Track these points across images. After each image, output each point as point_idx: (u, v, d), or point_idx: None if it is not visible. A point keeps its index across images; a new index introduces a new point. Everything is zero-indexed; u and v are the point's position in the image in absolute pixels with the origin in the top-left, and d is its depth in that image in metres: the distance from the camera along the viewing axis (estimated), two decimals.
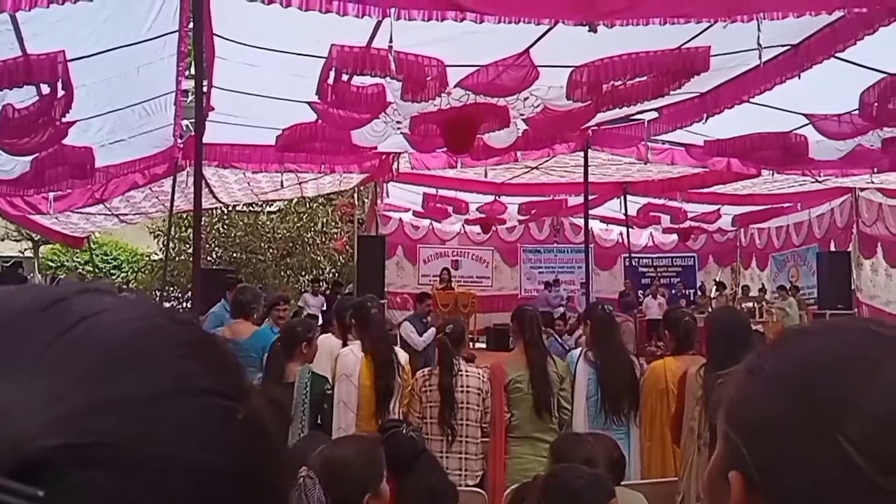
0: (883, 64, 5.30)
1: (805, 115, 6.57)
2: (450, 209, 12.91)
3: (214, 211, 15.64)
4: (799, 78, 5.11)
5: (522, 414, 4.35)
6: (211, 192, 9.74)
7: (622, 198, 11.44)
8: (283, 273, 17.71)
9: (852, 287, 12.32)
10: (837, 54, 4.91)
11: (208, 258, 17.02)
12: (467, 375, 4.40)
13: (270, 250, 17.70)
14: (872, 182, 9.95)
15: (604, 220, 14.14)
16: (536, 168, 9.99)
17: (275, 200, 14.71)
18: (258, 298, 5.83)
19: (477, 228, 15.18)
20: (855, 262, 12.73)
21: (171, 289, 14.42)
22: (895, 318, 10.62)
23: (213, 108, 6.32)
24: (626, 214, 11.87)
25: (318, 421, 4.25)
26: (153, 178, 8.45)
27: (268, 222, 18.01)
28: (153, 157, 7.88)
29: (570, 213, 14.26)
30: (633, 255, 14.41)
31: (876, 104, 5.65)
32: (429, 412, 4.32)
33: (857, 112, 6.02)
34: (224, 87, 5.90)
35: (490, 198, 12.36)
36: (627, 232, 12.78)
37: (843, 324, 0.67)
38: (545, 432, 4.29)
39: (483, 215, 13.55)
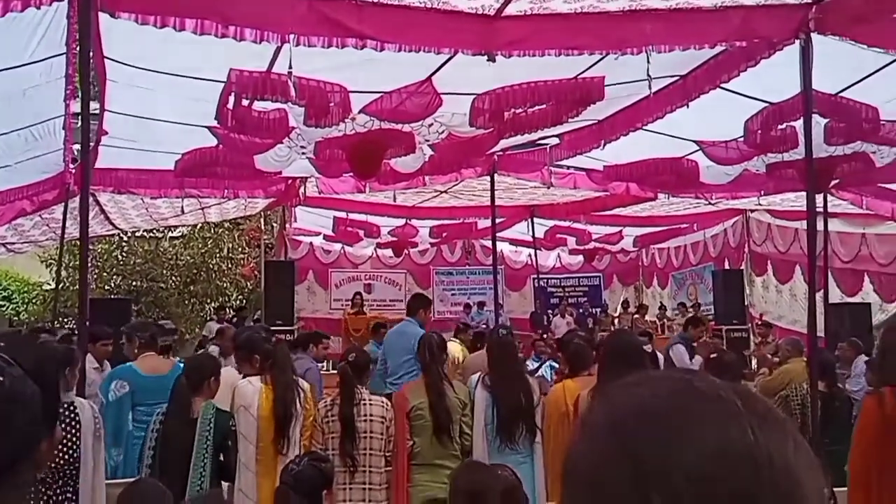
0: (765, 94, 5.60)
1: (695, 141, 6.89)
2: (361, 233, 12.79)
3: (112, 238, 14.95)
4: (687, 107, 5.35)
5: (423, 441, 4.32)
6: (107, 218, 9.32)
7: (530, 220, 11.66)
8: (186, 301, 17.07)
9: (746, 303, 12.96)
10: (722, 84, 5.17)
11: (105, 287, 16.23)
12: (371, 404, 4.34)
13: (173, 278, 17.03)
14: (760, 204, 10.49)
15: (513, 242, 14.38)
16: (445, 192, 10.06)
17: (176, 226, 14.21)
18: (149, 328, 5.69)
19: (389, 252, 15.10)
20: (748, 279, 13.39)
21: (65, 320, 13.65)
22: (788, 332, 11.13)
23: (106, 133, 6.07)
24: (533, 237, 12.08)
25: (221, 458, 4.11)
26: (42, 205, 8.00)
27: (170, 249, 17.33)
28: (42, 182, 7.47)
29: (480, 236, 14.42)
30: (541, 275, 14.69)
31: (759, 131, 5.97)
32: (331, 443, 4.23)
33: (742, 139, 6.36)
34: (118, 111, 5.68)
35: (401, 221, 12.34)
36: (535, 254, 13.03)
37: (666, 376, 0.69)
38: (446, 459, 4.28)
39: (395, 238, 13.52)
